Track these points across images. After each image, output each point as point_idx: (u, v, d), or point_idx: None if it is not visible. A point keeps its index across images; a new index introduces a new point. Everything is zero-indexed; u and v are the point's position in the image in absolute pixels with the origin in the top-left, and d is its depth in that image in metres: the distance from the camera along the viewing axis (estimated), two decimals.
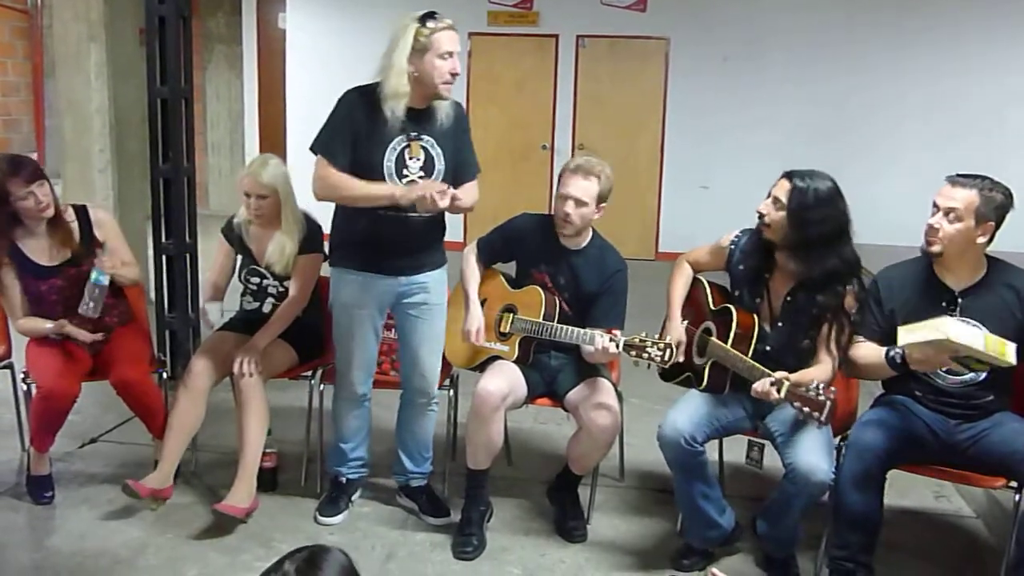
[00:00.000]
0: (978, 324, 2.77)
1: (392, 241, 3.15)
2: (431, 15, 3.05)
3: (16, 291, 3.46)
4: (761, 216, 3.00)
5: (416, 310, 3.28)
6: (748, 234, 3.15)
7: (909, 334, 2.74)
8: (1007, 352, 2.64)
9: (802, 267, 2.97)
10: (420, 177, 3.09)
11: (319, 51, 9.15)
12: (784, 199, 2.93)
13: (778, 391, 2.76)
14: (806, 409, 2.71)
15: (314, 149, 3.13)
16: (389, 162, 3.07)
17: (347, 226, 3.22)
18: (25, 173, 3.34)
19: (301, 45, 9.49)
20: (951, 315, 2.84)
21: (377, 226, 3.12)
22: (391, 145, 3.07)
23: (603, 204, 3.25)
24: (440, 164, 3.13)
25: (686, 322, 3.25)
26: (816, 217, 2.89)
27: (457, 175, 3.18)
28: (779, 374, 2.81)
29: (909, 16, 8.69)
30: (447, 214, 3.22)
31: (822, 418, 2.69)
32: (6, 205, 3.34)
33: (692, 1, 9.01)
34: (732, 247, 3.20)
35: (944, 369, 2.87)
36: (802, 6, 8.84)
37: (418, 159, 3.10)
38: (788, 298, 3.05)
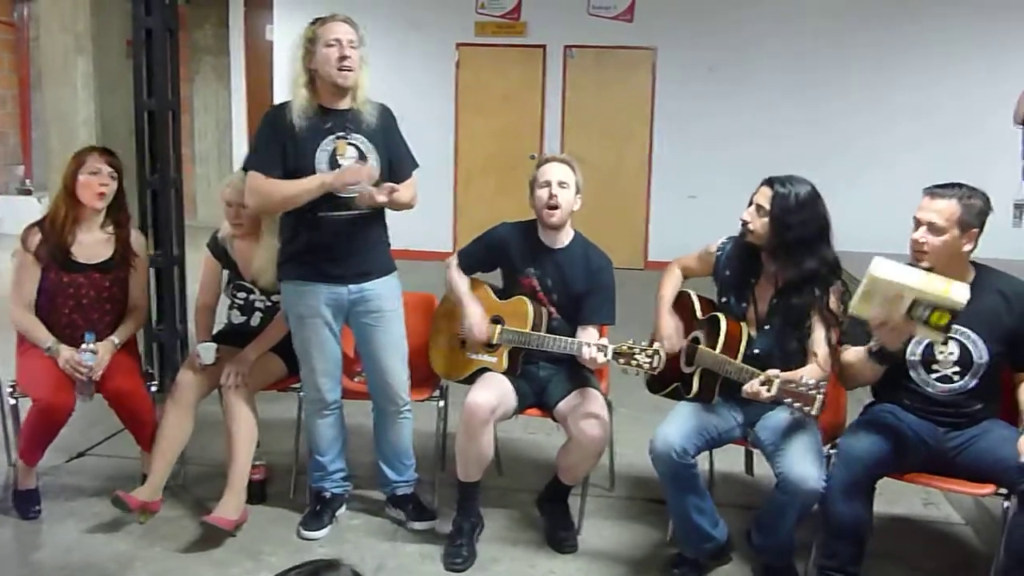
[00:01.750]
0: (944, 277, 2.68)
1: (334, 246, 3.17)
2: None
3: (33, 283, 3.44)
4: (745, 223, 3.03)
5: (369, 318, 3.28)
6: (733, 241, 3.20)
7: (853, 300, 2.71)
8: (951, 290, 2.56)
9: (784, 269, 3.00)
10: None
11: None
12: (767, 205, 2.97)
13: (768, 389, 2.76)
14: (797, 404, 2.71)
15: (245, 167, 3.19)
16: (321, 164, 3.11)
17: (291, 239, 3.25)
18: (107, 156, 3.50)
19: (288, 56, 9.48)
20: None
21: (317, 233, 3.16)
22: (320, 146, 3.11)
23: (579, 195, 3.31)
24: (373, 160, 3.15)
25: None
26: (797, 220, 2.94)
27: (394, 173, 3.21)
28: (769, 372, 2.80)
29: (895, 24, 8.77)
30: (387, 218, 3.28)
31: (813, 411, 2.69)
32: (76, 179, 3.43)
33: (679, 11, 9.06)
34: (719, 253, 3.24)
35: (913, 345, 2.88)
36: (788, 16, 8.90)
37: (350, 157, 3.13)
38: (774, 300, 3.08)
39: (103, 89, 5.88)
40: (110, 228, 3.54)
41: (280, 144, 3.13)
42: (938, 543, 3.56)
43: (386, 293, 3.30)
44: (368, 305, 3.27)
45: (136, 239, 3.65)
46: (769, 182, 3.00)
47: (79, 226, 3.48)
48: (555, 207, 3.25)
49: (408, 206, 3.26)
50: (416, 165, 3.32)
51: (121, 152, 5.84)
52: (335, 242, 3.17)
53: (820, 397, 2.68)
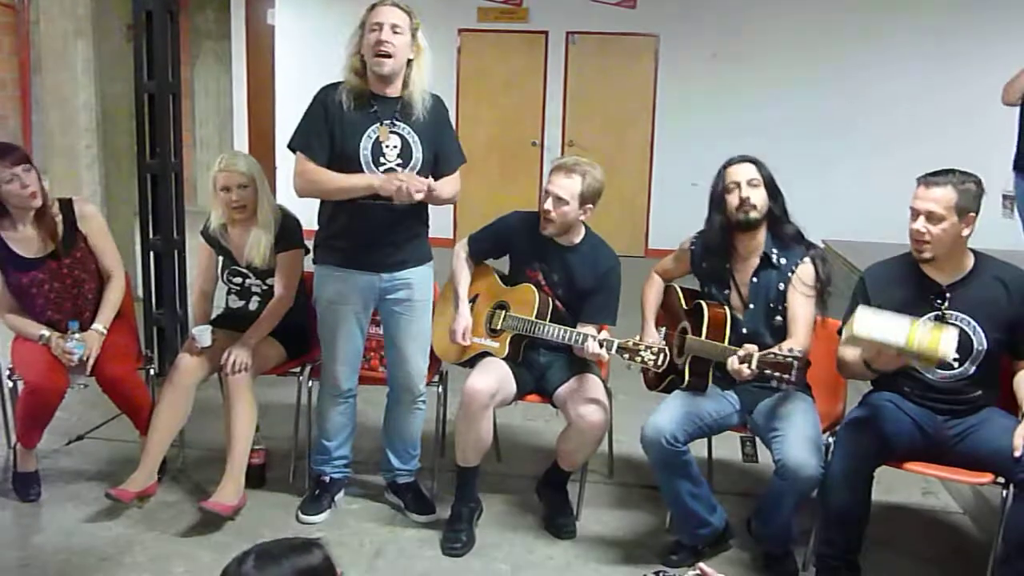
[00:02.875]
0: (954, 323, 2.75)
1: (371, 234, 3.15)
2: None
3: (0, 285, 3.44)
4: (747, 200, 3.06)
5: (400, 307, 3.27)
6: (703, 234, 3.25)
7: (842, 338, 2.78)
8: (939, 344, 2.57)
9: (776, 235, 3.12)
10: (398, 164, 3.09)
11: (308, 47, 9.12)
12: (759, 176, 3.09)
13: (748, 366, 2.78)
14: (776, 374, 2.74)
15: (292, 147, 3.15)
16: (365, 150, 3.08)
17: (328, 222, 3.23)
18: (11, 157, 3.32)
19: (290, 41, 9.46)
20: (939, 309, 2.85)
21: (356, 220, 3.13)
22: (366, 133, 3.08)
23: (588, 205, 3.24)
24: (417, 152, 3.12)
25: (664, 328, 3.33)
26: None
27: (439, 166, 3.18)
28: (747, 346, 2.83)
29: (897, 13, 8.72)
30: (430, 207, 3.25)
31: (792, 378, 2.71)
32: None
33: None
34: (692, 248, 3.28)
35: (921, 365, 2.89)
36: (790, 4, 8.87)
37: (394, 146, 3.09)
38: (754, 279, 3.12)
39: (103, 72, 5.87)
40: (45, 214, 3.43)
41: (328, 128, 3.09)
42: (936, 531, 3.56)
43: (419, 283, 3.28)
44: (399, 294, 3.25)
45: (83, 210, 3.56)
46: (743, 159, 3.13)
47: (12, 228, 3.41)
48: (549, 220, 3.25)
49: (450, 201, 3.24)
50: (463, 160, 3.28)
51: (121, 135, 5.87)
52: (374, 230, 3.15)
53: (795, 362, 2.70)
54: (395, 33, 3.02)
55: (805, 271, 3.07)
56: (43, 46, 5.95)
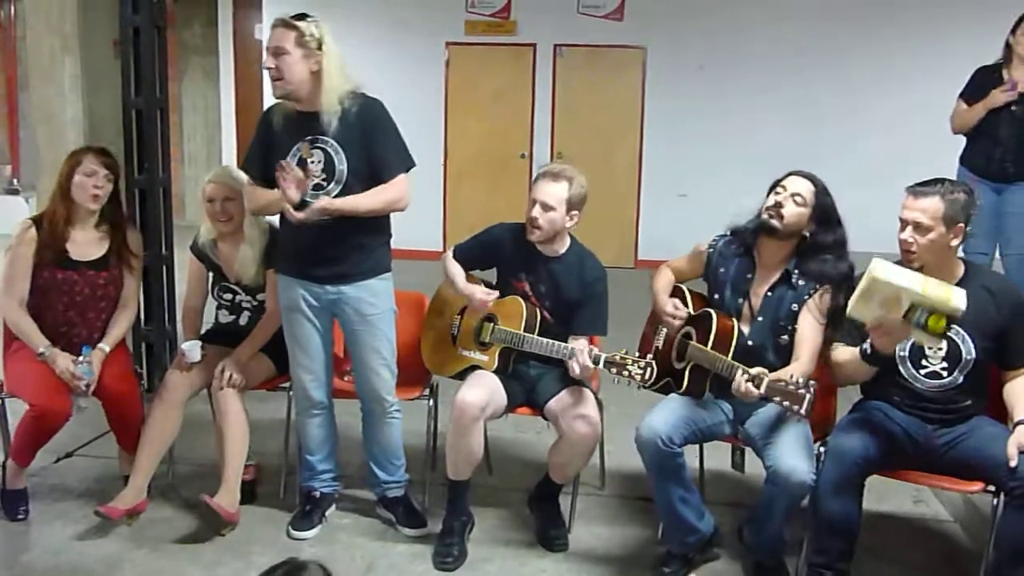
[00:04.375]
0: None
1: (306, 246, 3.17)
2: None
3: (25, 280, 3.42)
4: (779, 205, 3.03)
5: (354, 320, 3.26)
6: (724, 238, 3.23)
7: (851, 301, 2.73)
8: (952, 296, 2.58)
9: (802, 261, 3.07)
10: (323, 180, 3.09)
11: None
12: (808, 196, 3.05)
13: (757, 387, 2.77)
14: (786, 403, 2.73)
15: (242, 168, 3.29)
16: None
17: (281, 233, 3.32)
18: (105, 158, 3.48)
19: None
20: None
21: (293, 231, 3.16)
22: (292, 150, 3.12)
23: (575, 212, 3.24)
24: (341, 165, 3.10)
25: (664, 329, 3.29)
26: (837, 217, 3.08)
27: (373, 174, 3.14)
28: (759, 369, 2.82)
29: (886, 23, 8.76)
30: (390, 217, 3.25)
31: (802, 411, 2.70)
32: (71, 178, 3.42)
33: (669, 11, 9.06)
34: (710, 251, 3.25)
35: (906, 349, 2.89)
36: (779, 15, 8.90)
37: (318, 161, 3.10)
38: (768, 293, 3.11)
39: (90, 89, 5.85)
40: (105, 227, 3.53)
41: (263, 147, 3.18)
42: (927, 540, 3.57)
43: (367, 296, 3.25)
44: (348, 307, 3.24)
45: (134, 239, 3.63)
46: (802, 175, 3.10)
47: (73, 225, 3.47)
48: (536, 227, 3.24)
49: (384, 211, 3.19)
50: (407, 166, 3.20)
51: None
52: (310, 243, 3.15)
53: (809, 396, 2.68)
54: (279, 55, 3.04)
55: (823, 299, 3.04)
56: (30, 62, 5.93)
